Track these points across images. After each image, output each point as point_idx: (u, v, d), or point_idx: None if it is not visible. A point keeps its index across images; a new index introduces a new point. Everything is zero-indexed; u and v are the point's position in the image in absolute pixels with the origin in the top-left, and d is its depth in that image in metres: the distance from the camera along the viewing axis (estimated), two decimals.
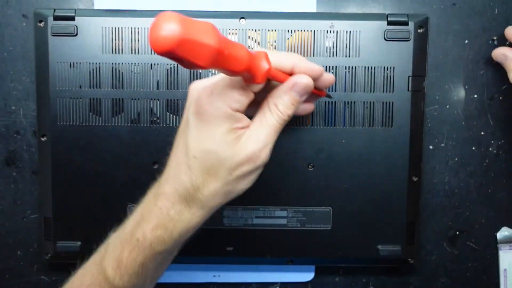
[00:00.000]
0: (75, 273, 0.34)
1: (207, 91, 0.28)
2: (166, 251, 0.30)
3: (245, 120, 0.30)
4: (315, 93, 0.33)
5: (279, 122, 0.30)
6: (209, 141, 0.28)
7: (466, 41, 0.45)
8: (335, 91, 0.41)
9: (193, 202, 0.29)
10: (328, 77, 0.32)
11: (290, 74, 0.30)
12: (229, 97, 0.28)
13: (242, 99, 0.28)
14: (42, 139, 0.42)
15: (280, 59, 0.29)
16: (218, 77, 0.29)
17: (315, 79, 0.31)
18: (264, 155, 0.29)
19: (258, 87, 0.29)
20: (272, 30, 0.41)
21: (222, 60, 0.24)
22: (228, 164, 0.28)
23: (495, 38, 0.45)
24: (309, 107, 0.35)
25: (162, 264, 0.32)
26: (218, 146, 0.28)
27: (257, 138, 0.29)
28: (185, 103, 0.31)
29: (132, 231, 0.30)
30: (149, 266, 0.31)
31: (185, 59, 0.23)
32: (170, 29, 0.23)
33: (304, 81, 0.29)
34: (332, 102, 0.41)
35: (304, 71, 0.30)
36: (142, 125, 0.41)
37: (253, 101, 0.30)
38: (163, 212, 0.29)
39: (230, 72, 0.26)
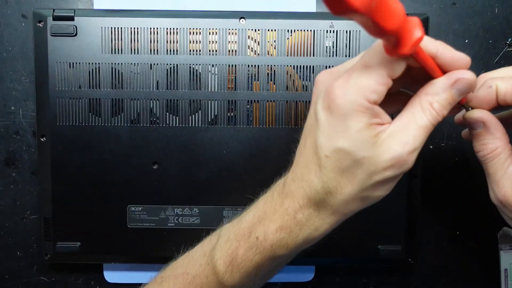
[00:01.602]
0: (179, 259, 0.31)
1: (339, 82, 0.24)
2: (285, 256, 0.28)
3: (384, 115, 0.25)
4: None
5: (432, 123, 0.25)
6: (343, 139, 0.24)
7: (466, 41, 0.45)
8: None
9: (323, 207, 0.26)
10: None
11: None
12: (366, 87, 0.24)
13: (380, 89, 0.24)
14: (42, 139, 0.41)
15: (426, 41, 0.25)
16: (348, 65, 0.26)
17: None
18: (411, 161, 0.25)
19: (397, 73, 0.24)
20: (272, 30, 0.41)
21: (377, 7, 0.21)
22: (367, 167, 0.25)
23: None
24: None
25: (275, 268, 0.30)
26: (354, 145, 0.24)
27: (405, 140, 0.24)
28: (312, 96, 0.27)
29: (251, 228, 0.28)
30: (263, 269, 0.28)
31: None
32: None
33: (469, 77, 0.25)
34: None
35: (448, 62, 0.25)
36: (141, 125, 0.41)
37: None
38: (289, 214, 0.26)
39: (379, 28, 0.22)
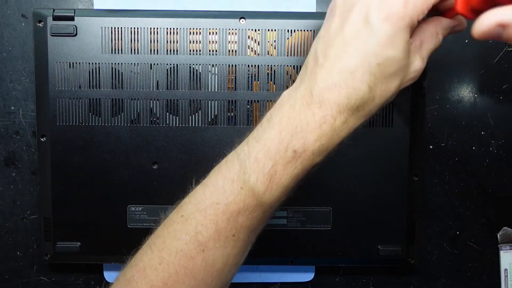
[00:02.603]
0: (196, 194, 0.31)
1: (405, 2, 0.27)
2: (322, 161, 0.30)
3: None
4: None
5: (433, 48, 0.30)
6: (396, 49, 0.27)
7: (466, 41, 0.45)
8: None
9: (362, 110, 0.28)
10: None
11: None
12: (421, 8, 0.27)
13: (426, 11, 0.28)
14: (42, 139, 0.41)
15: None
16: None
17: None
18: (419, 75, 0.30)
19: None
20: (272, 30, 0.41)
21: None
22: (404, 74, 0.29)
23: None
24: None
25: (309, 174, 0.31)
26: (403, 54, 0.28)
27: (421, 57, 0.29)
28: (347, 6, 0.29)
29: (286, 144, 0.28)
30: (302, 178, 0.30)
31: None
32: None
33: (464, 26, 0.31)
34: None
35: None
36: (142, 125, 0.41)
37: None
38: (327, 121, 0.28)
39: None
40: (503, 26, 0.25)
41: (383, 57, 0.27)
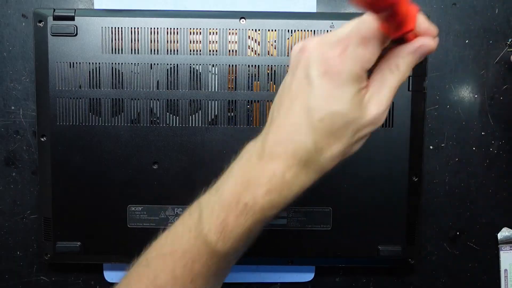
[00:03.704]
0: (160, 239, 0.32)
1: (338, 50, 0.27)
2: (275, 215, 0.29)
3: (366, 79, 0.28)
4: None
5: (398, 83, 0.28)
6: (339, 103, 0.27)
7: (466, 41, 0.45)
8: None
9: (312, 165, 0.28)
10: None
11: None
12: (363, 58, 0.27)
13: (374, 59, 0.27)
14: (42, 139, 0.41)
15: None
16: (339, 35, 0.27)
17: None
18: (384, 118, 0.29)
19: (387, 43, 0.27)
20: (272, 30, 0.41)
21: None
22: (354, 126, 0.28)
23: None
24: None
25: (264, 226, 0.31)
26: (348, 108, 0.27)
27: (380, 100, 0.28)
28: (295, 62, 0.29)
29: (238, 197, 0.29)
30: (255, 230, 0.30)
31: None
32: None
33: (431, 44, 0.28)
34: None
35: (424, 31, 0.28)
36: (142, 125, 0.41)
37: None
38: (277, 176, 0.28)
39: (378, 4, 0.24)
40: None
41: (325, 112, 0.27)
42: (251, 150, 0.30)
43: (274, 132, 0.29)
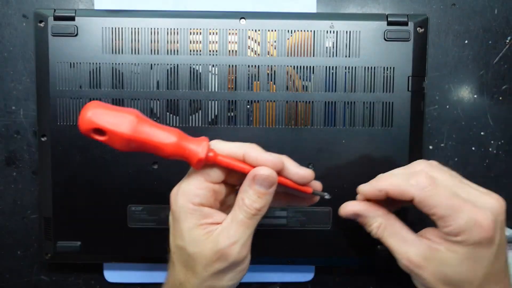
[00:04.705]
0: None
1: (175, 189, 0.30)
2: None
3: (218, 215, 0.29)
4: (296, 188, 0.30)
5: (247, 217, 0.29)
6: (179, 238, 0.29)
7: (466, 41, 0.45)
8: (335, 91, 0.41)
9: None
10: (304, 174, 0.30)
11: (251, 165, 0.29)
12: (188, 192, 0.29)
13: (201, 193, 0.29)
14: (42, 139, 0.42)
15: (230, 147, 0.29)
16: (187, 174, 0.30)
17: (279, 171, 0.29)
18: (235, 252, 0.29)
19: (215, 178, 0.29)
20: (272, 30, 0.41)
21: (140, 146, 0.27)
22: (200, 261, 0.29)
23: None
24: (306, 202, 0.33)
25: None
26: (187, 242, 0.29)
27: (228, 235, 0.28)
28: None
29: None
30: None
31: (103, 142, 0.27)
32: (87, 116, 0.27)
33: (263, 172, 0.28)
34: (332, 102, 0.41)
35: (254, 161, 0.29)
36: None
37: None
38: None
39: (161, 155, 0.28)
40: (357, 215, 0.32)
41: (173, 246, 0.30)
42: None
43: None
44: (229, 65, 0.41)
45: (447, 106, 0.46)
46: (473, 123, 0.46)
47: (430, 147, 0.46)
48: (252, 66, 0.41)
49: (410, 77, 0.41)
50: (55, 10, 0.40)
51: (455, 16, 0.45)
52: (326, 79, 0.41)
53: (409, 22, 0.41)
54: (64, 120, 0.41)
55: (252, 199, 0.29)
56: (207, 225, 0.29)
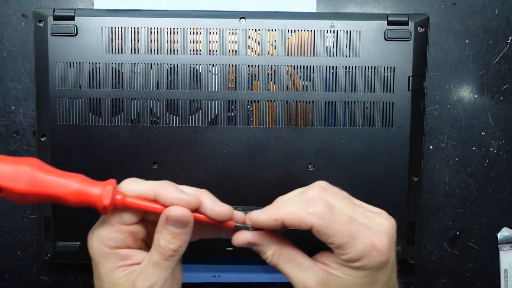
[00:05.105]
0: None
1: (90, 232, 0.30)
2: None
3: (138, 255, 0.29)
4: (216, 224, 0.30)
5: (163, 259, 0.28)
6: (99, 281, 0.29)
7: (466, 41, 0.45)
8: (335, 91, 0.41)
9: None
10: (221, 211, 0.29)
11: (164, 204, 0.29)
12: (101, 236, 0.29)
13: (115, 236, 0.28)
14: (42, 139, 0.41)
15: (141, 187, 0.29)
16: (101, 217, 0.30)
17: (196, 209, 0.29)
18: None
19: (128, 220, 0.29)
20: (272, 30, 0.41)
21: (40, 198, 0.26)
22: None
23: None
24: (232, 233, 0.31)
25: None
26: (105, 286, 0.28)
27: (145, 277, 0.28)
28: None
29: None
30: None
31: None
32: None
33: (175, 213, 0.28)
34: (332, 102, 0.41)
35: (166, 201, 0.28)
36: (142, 125, 0.41)
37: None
38: None
39: (65, 204, 0.27)
40: (251, 244, 0.30)
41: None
42: None
43: None
44: (229, 65, 0.41)
45: (448, 106, 0.46)
46: (474, 123, 0.46)
47: (431, 147, 0.46)
48: (252, 66, 0.41)
49: (410, 77, 0.41)
50: (54, 9, 0.40)
51: (456, 15, 0.45)
52: (326, 79, 0.41)
53: (409, 22, 0.41)
54: (64, 120, 0.41)
55: (166, 240, 0.28)
56: (126, 267, 0.28)
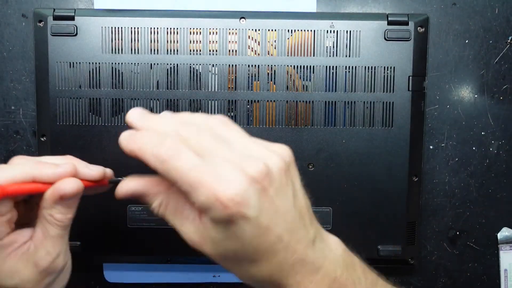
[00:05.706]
0: None
1: None
2: None
3: (21, 234, 0.29)
4: (94, 185, 0.31)
5: (62, 229, 0.29)
6: None
7: (466, 41, 0.45)
8: (335, 91, 0.41)
9: None
10: (96, 174, 0.31)
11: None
12: None
13: None
14: (42, 139, 0.41)
15: (15, 173, 0.28)
16: None
17: (74, 175, 0.29)
18: (60, 263, 0.29)
19: (3, 211, 0.28)
20: (272, 30, 0.41)
21: None
22: (28, 285, 0.28)
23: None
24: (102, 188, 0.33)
25: None
26: (6, 280, 0.28)
27: (47, 251, 0.28)
28: None
29: None
30: None
31: None
32: None
33: (70, 187, 0.28)
34: (332, 102, 0.41)
35: (47, 179, 0.28)
36: None
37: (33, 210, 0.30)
38: None
39: None
40: (136, 195, 0.28)
41: None
42: None
43: None
44: (229, 65, 0.41)
45: (448, 106, 0.46)
46: (474, 123, 0.46)
47: (431, 147, 0.46)
48: (252, 66, 0.41)
49: (410, 77, 0.41)
50: (54, 9, 0.40)
51: (456, 15, 0.45)
52: (326, 79, 0.41)
53: (409, 22, 0.41)
54: (64, 120, 0.41)
55: (62, 213, 0.29)
56: (16, 251, 0.28)
